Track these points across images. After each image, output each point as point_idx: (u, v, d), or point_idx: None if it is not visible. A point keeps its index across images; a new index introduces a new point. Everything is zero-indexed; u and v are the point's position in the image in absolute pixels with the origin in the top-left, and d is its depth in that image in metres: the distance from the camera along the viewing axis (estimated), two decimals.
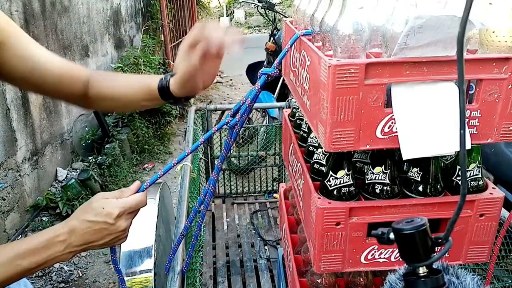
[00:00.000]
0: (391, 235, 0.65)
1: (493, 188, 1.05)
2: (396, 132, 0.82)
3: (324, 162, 1.11)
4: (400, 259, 1.06)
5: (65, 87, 1.05)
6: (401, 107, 0.80)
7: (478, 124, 0.87)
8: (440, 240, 0.63)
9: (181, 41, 6.90)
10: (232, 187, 3.19)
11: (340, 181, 0.99)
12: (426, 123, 0.81)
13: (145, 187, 0.98)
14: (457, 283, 0.64)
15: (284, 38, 1.40)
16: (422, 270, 0.63)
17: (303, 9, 1.09)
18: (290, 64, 1.22)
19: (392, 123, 0.82)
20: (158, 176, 1.02)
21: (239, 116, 1.00)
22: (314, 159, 1.14)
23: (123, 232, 0.92)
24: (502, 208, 1.50)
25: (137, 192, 0.96)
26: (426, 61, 0.78)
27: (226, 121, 1.02)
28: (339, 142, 0.83)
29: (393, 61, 0.78)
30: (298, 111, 1.44)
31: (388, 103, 0.82)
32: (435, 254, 0.62)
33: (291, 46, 1.00)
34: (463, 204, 0.60)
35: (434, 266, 0.64)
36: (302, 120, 1.39)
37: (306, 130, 1.32)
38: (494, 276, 1.67)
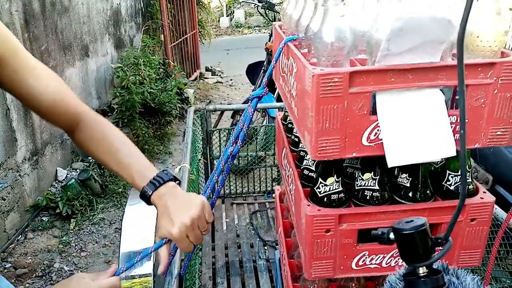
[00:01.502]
0: (391, 235, 0.65)
1: (483, 192, 1.04)
2: (382, 139, 0.82)
3: (313, 168, 1.10)
4: (391, 265, 1.06)
5: (51, 120, 1.04)
6: (386, 115, 0.79)
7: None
8: (440, 240, 0.63)
9: (181, 41, 6.92)
10: (232, 187, 3.19)
11: (330, 188, 0.99)
12: (412, 130, 0.81)
13: (120, 271, 1.01)
14: (457, 283, 0.64)
15: (274, 42, 1.39)
16: (422, 270, 0.63)
17: (289, 13, 1.08)
18: (279, 68, 1.22)
19: (378, 130, 0.82)
20: (135, 261, 1.04)
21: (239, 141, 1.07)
22: (304, 165, 1.14)
23: None
24: (500, 209, 1.50)
25: (113, 275, 0.99)
26: (411, 68, 0.78)
27: (229, 151, 1.09)
28: (325, 151, 0.82)
29: (377, 69, 0.77)
30: (289, 115, 1.43)
31: (374, 110, 0.82)
32: (435, 254, 0.62)
33: (276, 61, 1.00)
34: (463, 204, 0.59)
35: (434, 266, 0.64)
36: (293, 124, 1.38)
37: (298, 134, 1.31)
38: (493, 277, 1.66)
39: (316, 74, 0.75)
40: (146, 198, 1.00)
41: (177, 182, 1.03)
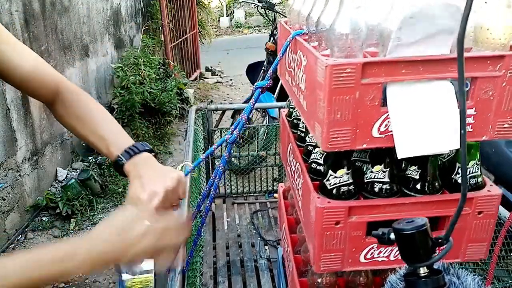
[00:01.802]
0: (392, 235, 0.65)
1: (491, 185, 1.05)
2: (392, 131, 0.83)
3: (321, 162, 1.11)
4: (399, 258, 1.07)
5: (31, 91, 1.03)
6: (396, 106, 0.80)
7: (474, 121, 0.87)
8: (440, 240, 0.63)
9: (181, 41, 6.93)
10: (233, 187, 3.19)
11: (340, 180, 0.99)
12: (421, 122, 0.81)
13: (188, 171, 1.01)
14: (458, 283, 0.64)
15: (279, 39, 1.39)
16: (422, 271, 0.63)
17: (297, 9, 1.09)
18: (285, 64, 1.22)
19: (388, 122, 0.82)
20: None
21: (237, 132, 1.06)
22: (312, 158, 1.14)
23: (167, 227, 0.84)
24: (503, 208, 1.51)
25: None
26: (422, 60, 0.78)
27: (225, 138, 1.08)
28: (336, 142, 0.83)
29: (389, 60, 0.78)
30: (294, 111, 1.44)
31: (384, 102, 0.82)
32: (435, 254, 0.62)
33: (282, 55, 1.01)
34: (463, 205, 0.60)
35: (435, 266, 0.64)
36: (300, 120, 1.38)
37: (304, 130, 1.32)
38: (495, 276, 1.67)
39: (329, 64, 0.75)
40: (119, 167, 0.96)
41: (153, 154, 1.00)
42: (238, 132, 1.06)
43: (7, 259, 0.72)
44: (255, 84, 1.03)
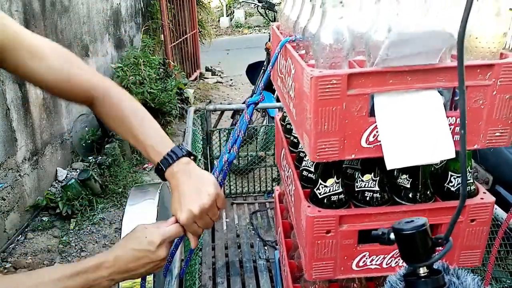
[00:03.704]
0: (392, 235, 0.65)
1: (484, 193, 1.04)
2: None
3: (313, 170, 1.10)
4: (391, 266, 1.06)
5: (64, 98, 1.04)
6: (384, 117, 0.79)
7: None
8: (440, 241, 0.63)
9: (181, 41, 6.91)
10: (232, 187, 3.19)
11: (330, 189, 0.99)
12: (410, 132, 0.81)
13: None
14: (458, 283, 0.64)
15: (272, 43, 1.39)
16: (422, 271, 0.63)
17: (287, 14, 1.08)
18: (277, 70, 1.22)
19: (376, 132, 0.82)
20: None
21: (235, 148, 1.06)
22: (303, 166, 1.13)
23: (162, 260, 0.95)
24: (500, 209, 1.50)
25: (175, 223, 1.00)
26: (410, 70, 0.78)
27: (224, 159, 1.07)
28: (324, 152, 0.82)
29: (376, 70, 0.77)
30: (287, 116, 1.43)
31: (372, 112, 0.82)
32: (435, 254, 0.62)
33: (273, 64, 1.00)
34: (463, 204, 0.59)
35: (435, 266, 0.64)
36: (292, 125, 1.38)
37: (297, 135, 1.31)
38: (493, 277, 1.66)
39: (314, 76, 0.75)
40: (160, 175, 0.99)
41: (192, 157, 1.01)
42: (237, 149, 1.06)
43: (40, 274, 0.86)
44: (248, 100, 1.03)
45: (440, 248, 0.63)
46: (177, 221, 0.97)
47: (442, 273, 0.63)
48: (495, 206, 1.26)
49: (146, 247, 0.91)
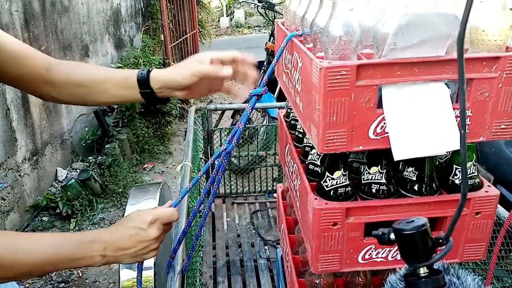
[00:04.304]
0: (392, 236, 0.65)
1: (488, 186, 1.05)
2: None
3: (318, 163, 1.11)
4: (397, 258, 1.07)
5: (22, 67, 1.04)
6: (392, 108, 0.80)
7: (470, 123, 0.87)
8: (440, 241, 0.63)
9: (181, 41, 6.92)
10: (232, 187, 3.19)
11: (337, 181, 0.99)
12: (417, 123, 0.81)
13: (177, 203, 1.07)
14: (458, 283, 0.64)
15: (276, 40, 1.39)
16: (422, 271, 0.63)
17: (293, 10, 1.09)
18: (282, 65, 1.22)
19: (384, 123, 0.82)
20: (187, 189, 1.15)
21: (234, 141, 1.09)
22: (309, 159, 1.14)
23: (153, 241, 0.98)
24: (502, 208, 1.51)
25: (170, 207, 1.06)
26: (417, 61, 0.78)
27: (222, 148, 1.11)
28: (332, 144, 0.83)
29: (384, 62, 0.78)
30: (292, 112, 1.44)
31: (380, 104, 0.82)
32: (435, 254, 0.62)
33: (278, 58, 1.01)
34: (463, 204, 0.60)
35: (435, 266, 0.64)
36: (297, 120, 1.38)
37: (301, 130, 1.32)
38: (494, 276, 1.66)
39: (324, 67, 0.75)
40: (145, 79, 1.04)
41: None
42: (236, 141, 1.08)
43: (40, 235, 0.92)
44: (251, 91, 1.04)
45: (441, 248, 0.63)
46: (171, 206, 1.04)
47: (443, 273, 0.63)
48: (497, 205, 1.26)
49: (138, 224, 0.96)
